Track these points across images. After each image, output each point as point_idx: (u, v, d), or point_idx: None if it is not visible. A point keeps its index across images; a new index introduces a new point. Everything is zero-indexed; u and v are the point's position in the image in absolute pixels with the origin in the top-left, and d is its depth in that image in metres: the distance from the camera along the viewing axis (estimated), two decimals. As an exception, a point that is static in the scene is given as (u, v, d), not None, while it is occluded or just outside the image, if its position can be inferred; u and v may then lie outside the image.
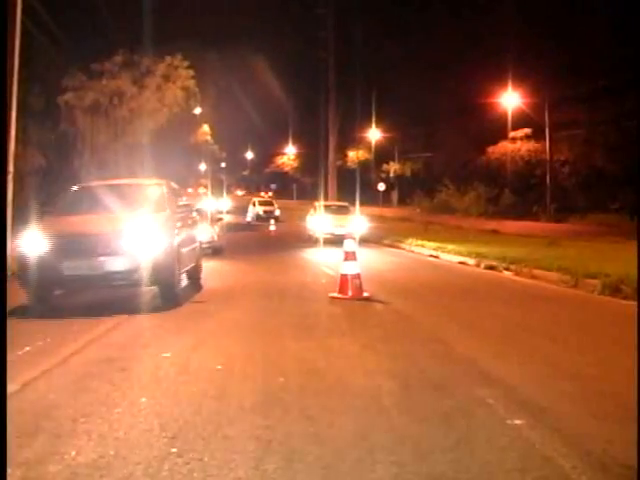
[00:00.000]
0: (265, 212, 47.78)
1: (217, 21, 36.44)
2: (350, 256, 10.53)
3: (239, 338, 7.47)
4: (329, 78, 43.76)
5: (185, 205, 12.01)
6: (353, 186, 37.66)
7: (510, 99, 43.49)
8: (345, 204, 30.15)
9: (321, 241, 23.98)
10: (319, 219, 26.95)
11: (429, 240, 22.27)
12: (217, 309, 9.70)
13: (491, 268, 15.44)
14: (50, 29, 22.30)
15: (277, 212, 48.26)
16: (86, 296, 10.72)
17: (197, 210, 14.73)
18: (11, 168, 13.92)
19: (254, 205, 49.90)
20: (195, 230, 12.71)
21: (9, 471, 3.54)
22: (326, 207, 28.84)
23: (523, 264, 14.53)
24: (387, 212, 47.95)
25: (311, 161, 73.24)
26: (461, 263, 17.35)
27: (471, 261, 16.98)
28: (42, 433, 4.31)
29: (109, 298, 10.38)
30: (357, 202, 29.04)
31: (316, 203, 30.73)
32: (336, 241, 21.97)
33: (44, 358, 6.46)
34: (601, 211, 36.86)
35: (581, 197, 40.61)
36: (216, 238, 19.42)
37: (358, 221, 26.65)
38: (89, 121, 23.95)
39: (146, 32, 26.19)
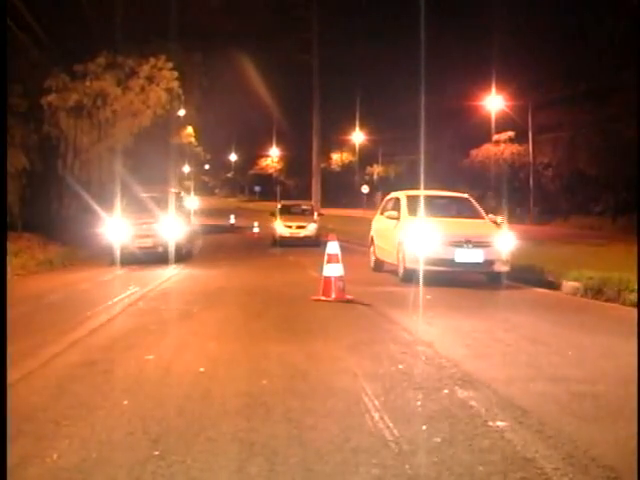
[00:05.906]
0: (297, 227, 27.74)
1: (202, 23, 36.36)
2: (333, 258, 10.52)
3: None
4: (313, 81, 43.82)
5: None
6: (337, 188, 37.08)
7: (494, 102, 43.70)
8: (465, 195, 15.62)
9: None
10: (417, 231, 12.99)
11: None
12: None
13: None
14: (33, 29, 22.19)
15: (312, 227, 27.77)
16: None
17: None
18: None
19: (273, 215, 29.27)
20: None
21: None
22: (428, 202, 14.24)
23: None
24: (371, 215, 47.46)
25: (295, 163, 73.53)
26: None
27: None
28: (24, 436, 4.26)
29: None
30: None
31: (399, 194, 15.36)
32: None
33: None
34: (583, 214, 37.14)
35: (564, 200, 40.90)
36: None
37: (503, 235, 13.29)
38: (72, 122, 23.80)
39: (130, 33, 26.09)
